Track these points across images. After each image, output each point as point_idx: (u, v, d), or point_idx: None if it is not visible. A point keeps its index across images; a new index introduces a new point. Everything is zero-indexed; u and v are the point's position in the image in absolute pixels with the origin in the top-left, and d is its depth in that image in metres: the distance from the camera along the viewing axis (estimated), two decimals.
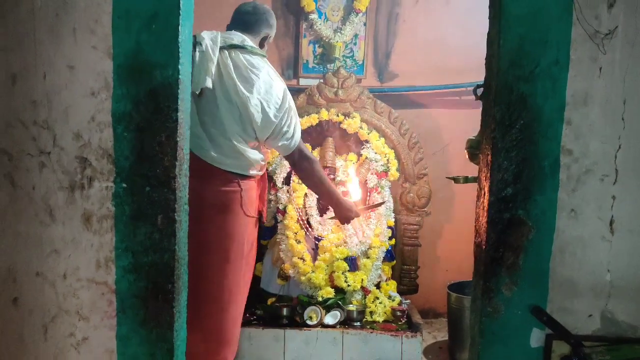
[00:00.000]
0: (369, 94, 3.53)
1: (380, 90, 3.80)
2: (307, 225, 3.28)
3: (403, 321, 3.08)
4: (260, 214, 2.48)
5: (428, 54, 3.84)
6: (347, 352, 2.91)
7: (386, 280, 3.34)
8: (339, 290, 3.14)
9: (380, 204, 3.25)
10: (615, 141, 1.56)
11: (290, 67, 3.90)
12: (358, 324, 3.02)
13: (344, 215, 2.78)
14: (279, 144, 2.37)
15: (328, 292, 3.10)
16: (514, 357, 1.62)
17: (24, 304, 1.67)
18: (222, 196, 2.28)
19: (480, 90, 1.79)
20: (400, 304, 3.20)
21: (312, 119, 3.42)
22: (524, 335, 1.62)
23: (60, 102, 1.61)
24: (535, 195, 1.58)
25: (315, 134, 3.49)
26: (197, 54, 2.18)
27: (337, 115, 3.44)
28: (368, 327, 3.00)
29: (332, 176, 3.33)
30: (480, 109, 1.72)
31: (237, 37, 2.37)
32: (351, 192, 3.29)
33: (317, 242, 3.25)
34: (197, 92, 2.20)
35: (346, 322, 3.03)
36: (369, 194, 3.37)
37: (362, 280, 3.15)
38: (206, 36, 2.25)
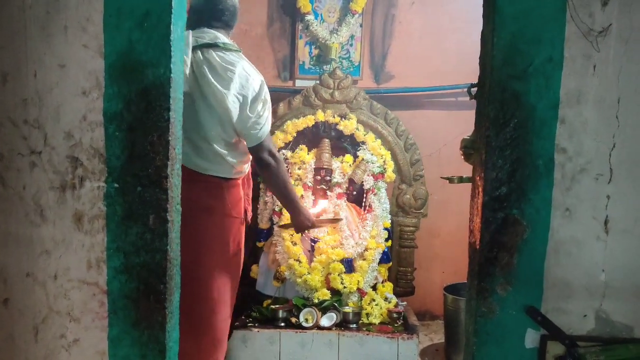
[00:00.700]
0: (365, 95, 3.52)
1: (377, 92, 3.80)
2: None
3: (399, 323, 3.07)
4: (245, 213, 2.46)
5: (424, 55, 3.85)
6: (343, 354, 2.89)
7: (382, 282, 3.33)
8: (335, 292, 3.13)
9: (338, 220, 3.17)
10: (609, 140, 1.55)
11: (287, 69, 3.90)
12: (354, 325, 3.01)
13: (301, 224, 2.69)
14: (248, 133, 2.29)
15: (324, 294, 3.09)
16: (509, 357, 1.61)
17: (15, 304, 1.66)
18: (206, 198, 2.27)
19: (474, 91, 1.78)
20: (396, 305, 3.19)
21: (308, 120, 3.41)
22: (519, 335, 1.61)
23: (51, 101, 1.59)
24: (530, 194, 1.56)
25: (311, 135, 3.49)
26: None
27: (334, 117, 3.43)
28: (364, 329, 2.99)
29: (328, 177, 3.32)
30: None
31: (209, 35, 2.30)
32: (319, 204, 3.28)
33: (313, 244, 3.24)
34: None
35: (342, 324, 3.01)
36: (365, 195, 3.36)
37: (358, 282, 3.14)
38: None
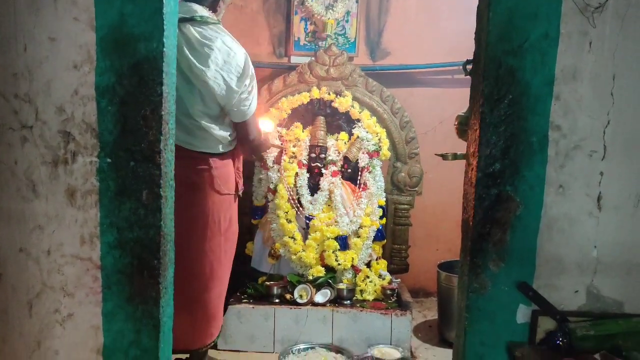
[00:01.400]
0: (361, 72, 3.50)
1: (372, 69, 3.77)
2: (298, 205, 3.27)
3: (393, 300, 3.10)
4: (236, 187, 2.45)
5: (420, 32, 3.81)
6: (337, 330, 2.92)
7: (377, 259, 3.35)
8: (329, 269, 3.15)
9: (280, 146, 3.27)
10: (604, 117, 1.55)
11: (282, 45, 3.86)
12: (348, 302, 3.04)
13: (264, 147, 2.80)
14: (236, 109, 2.29)
15: (318, 271, 3.11)
16: (500, 332, 1.63)
17: (8, 280, 1.66)
18: (193, 175, 2.26)
19: (470, 67, 1.77)
20: (390, 282, 3.21)
21: (303, 97, 3.39)
22: (511, 311, 1.63)
23: (41, 75, 1.58)
24: (524, 171, 1.57)
25: (306, 113, 3.47)
26: None
27: (329, 94, 3.41)
28: (358, 305, 3.02)
29: (322, 155, 3.31)
30: None
31: (185, 8, 2.24)
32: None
33: (307, 222, 3.24)
34: None
35: (336, 301, 3.04)
36: (360, 172, 3.35)
37: (353, 259, 3.16)
38: None
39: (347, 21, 3.74)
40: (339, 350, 2.85)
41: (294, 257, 3.14)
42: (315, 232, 3.16)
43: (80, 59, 1.56)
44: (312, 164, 3.32)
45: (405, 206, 3.52)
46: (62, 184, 1.61)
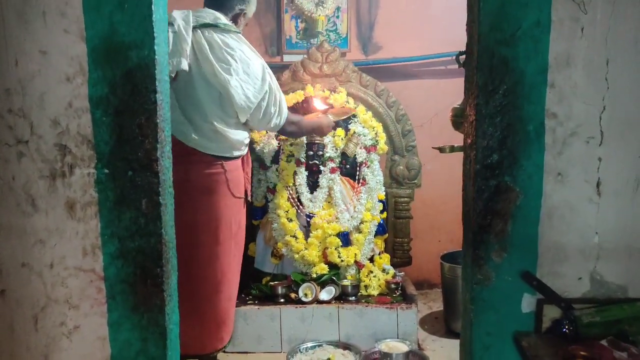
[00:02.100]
0: (354, 68, 3.49)
1: (365, 63, 3.76)
2: (298, 203, 3.27)
3: (398, 293, 3.10)
4: (246, 193, 2.46)
5: (412, 24, 3.80)
6: (343, 326, 2.92)
7: (379, 254, 3.35)
8: (332, 266, 3.15)
9: (349, 111, 3.32)
10: (599, 102, 1.55)
11: (274, 44, 3.85)
12: (353, 298, 3.04)
13: (324, 133, 3.08)
14: (271, 125, 2.37)
15: (322, 269, 3.11)
16: (506, 323, 1.63)
17: (12, 295, 1.66)
18: (206, 179, 2.26)
19: (463, 59, 1.76)
20: (394, 276, 3.22)
21: (298, 95, 3.38)
22: (515, 300, 1.63)
23: (34, 89, 1.57)
24: (522, 160, 1.56)
25: (301, 111, 3.45)
26: (170, 34, 2.12)
27: (323, 91, 3.40)
28: (363, 301, 3.02)
29: (320, 152, 3.30)
30: None
31: (210, 15, 2.30)
32: (317, 106, 3.33)
33: (308, 220, 3.24)
34: (172, 75, 2.14)
35: (341, 297, 3.05)
36: (358, 168, 3.35)
37: (356, 254, 3.16)
38: (177, 16, 2.19)
39: (337, 17, 3.73)
40: (346, 346, 2.86)
41: (296, 255, 3.14)
42: (317, 229, 3.16)
43: (73, 71, 1.56)
44: (310, 162, 3.32)
45: (405, 199, 3.51)
46: (61, 197, 1.61)
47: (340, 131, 3.42)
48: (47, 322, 1.65)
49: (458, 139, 1.88)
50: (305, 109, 3.28)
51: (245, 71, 2.23)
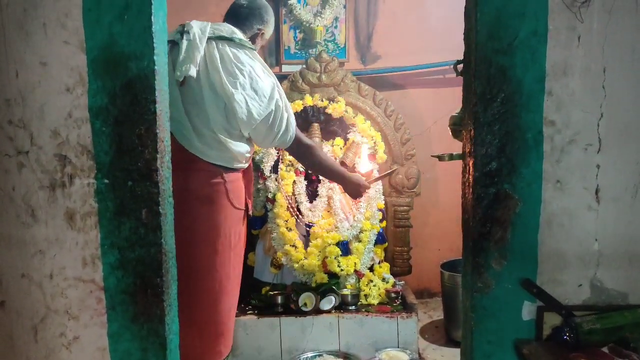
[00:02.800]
0: (353, 77, 3.51)
1: (364, 73, 3.78)
2: (297, 213, 3.28)
3: (398, 302, 3.10)
4: (246, 206, 2.46)
5: (410, 34, 3.83)
6: (344, 336, 2.91)
7: (379, 263, 3.35)
8: (332, 275, 3.15)
9: (391, 172, 3.27)
10: (597, 110, 1.55)
11: (272, 54, 3.87)
12: (353, 307, 3.03)
13: (354, 191, 2.80)
14: (278, 142, 2.38)
15: (322, 278, 3.10)
16: (507, 330, 1.63)
17: (12, 306, 1.66)
18: (206, 188, 2.26)
19: (461, 67, 1.77)
20: (394, 285, 3.21)
21: (297, 105, 3.40)
22: (516, 308, 1.63)
23: (34, 100, 1.58)
24: (520, 168, 1.57)
25: (300, 121, 3.46)
26: (185, 42, 2.15)
27: (322, 101, 3.42)
28: (363, 310, 3.02)
29: None
30: None
31: (227, 29, 2.33)
32: (360, 165, 3.31)
33: (308, 229, 3.24)
34: (180, 80, 2.16)
35: (341, 307, 3.04)
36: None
37: (355, 264, 3.15)
38: (195, 25, 2.22)
39: (336, 27, 3.75)
40: (346, 356, 2.85)
41: (296, 265, 3.13)
42: (316, 239, 3.16)
43: (73, 81, 1.56)
44: (310, 171, 3.32)
45: (405, 208, 3.52)
46: (61, 208, 1.61)
47: (339, 140, 3.43)
48: (47, 333, 1.65)
49: (457, 147, 1.89)
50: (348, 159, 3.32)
51: (253, 87, 2.23)
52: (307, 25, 3.67)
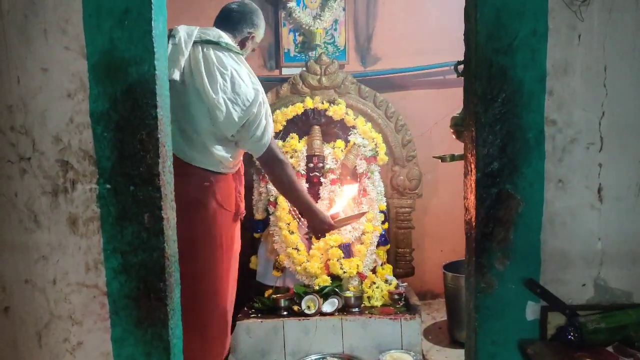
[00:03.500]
0: (353, 79, 3.51)
1: (364, 75, 3.78)
2: (299, 216, 3.27)
3: (401, 304, 3.09)
4: (237, 208, 2.46)
5: (409, 35, 3.82)
6: (347, 338, 2.91)
7: (382, 265, 3.34)
8: (335, 278, 3.14)
9: (361, 215, 3.05)
10: (598, 108, 1.55)
11: (272, 58, 3.87)
12: (356, 309, 3.02)
13: (317, 228, 2.63)
14: (248, 147, 2.34)
15: (324, 280, 3.10)
16: (511, 331, 1.62)
17: (15, 312, 1.66)
18: (195, 192, 2.26)
19: (461, 68, 1.77)
20: (397, 287, 3.21)
21: (297, 108, 3.40)
22: (519, 308, 1.62)
23: (36, 106, 1.58)
24: (522, 168, 1.57)
25: (301, 123, 3.47)
26: (170, 46, 2.15)
27: (322, 103, 3.42)
28: (366, 312, 3.01)
29: (320, 164, 3.31)
30: None
31: (214, 32, 2.33)
32: (336, 204, 3.17)
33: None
34: None
35: (344, 309, 3.03)
36: (359, 179, 3.36)
37: (358, 266, 3.15)
38: (182, 30, 2.23)
39: (335, 30, 3.75)
40: (350, 358, 2.84)
41: (298, 268, 3.13)
42: (318, 241, 3.16)
43: (74, 87, 1.57)
44: (311, 174, 3.32)
45: (407, 209, 3.52)
46: (64, 213, 1.61)
47: (340, 143, 3.43)
48: (51, 338, 1.65)
49: (458, 148, 1.89)
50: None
51: (235, 91, 2.23)
52: (307, 27, 3.68)
